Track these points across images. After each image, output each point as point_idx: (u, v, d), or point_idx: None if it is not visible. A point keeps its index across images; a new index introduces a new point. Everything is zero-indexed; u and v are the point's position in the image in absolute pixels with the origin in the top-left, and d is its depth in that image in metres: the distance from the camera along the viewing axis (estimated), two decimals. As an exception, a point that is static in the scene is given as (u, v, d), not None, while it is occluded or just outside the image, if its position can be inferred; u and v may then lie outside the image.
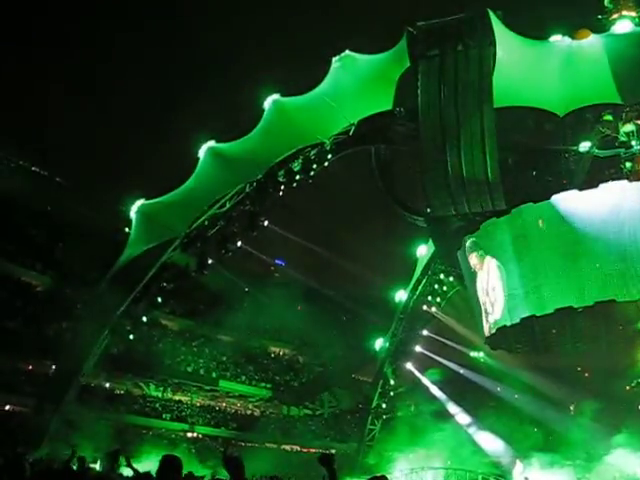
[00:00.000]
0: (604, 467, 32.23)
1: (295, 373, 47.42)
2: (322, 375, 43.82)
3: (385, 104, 31.63)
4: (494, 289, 30.31)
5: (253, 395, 46.73)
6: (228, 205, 32.40)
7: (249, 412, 48.27)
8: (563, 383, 34.90)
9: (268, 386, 46.01)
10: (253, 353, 47.48)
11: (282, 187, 32.44)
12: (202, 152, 32.29)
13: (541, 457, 33.42)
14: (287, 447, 44.10)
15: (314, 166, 32.25)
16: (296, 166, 32.22)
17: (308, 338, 39.19)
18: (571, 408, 37.84)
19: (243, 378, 45.95)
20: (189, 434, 42.41)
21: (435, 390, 37.47)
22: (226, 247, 32.54)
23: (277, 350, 50.16)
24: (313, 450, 43.24)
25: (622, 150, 30.37)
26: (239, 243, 32.84)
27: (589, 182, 29.63)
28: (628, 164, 29.90)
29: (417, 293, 35.25)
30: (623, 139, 30.17)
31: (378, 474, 6.66)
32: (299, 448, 44.05)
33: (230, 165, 32.40)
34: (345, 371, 41.26)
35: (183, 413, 43.40)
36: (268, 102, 32.41)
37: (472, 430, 36.59)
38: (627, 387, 33.23)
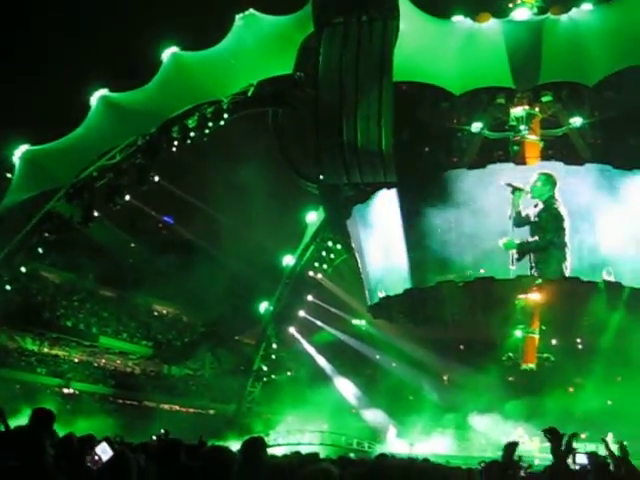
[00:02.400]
0: (473, 434, 33.87)
1: (178, 332, 46.97)
2: (205, 335, 43.57)
3: (286, 67, 31.32)
4: (379, 260, 30.93)
5: (134, 352, 45.90)
6: (118, 157, 31.32)
7: (129, 370, 47.49)
8: (439, 354, 36.19)
9: (150, 344, 45.26)
10: (136, 310, 46.62)
11: (175, 143, 31.71)
12: (94, 100, 31.04)
13: (416, 424, 34.75)
14: (166, 406, 43.80)
15: (210, 124, 31.65)
16: (191, 123, 31.51)
17: (193, 298, 38.76)
18: (445, 378, 39.43)
19: (124, 335, 45.03)
20: (65, 390, 41.35)
21: (316, 355, 38.00)
22: (114, 200, 31.50)
23: (161, 308, 49.49)
24: (192, 410, 43.15)
25: (511, 134, 31.52)
26: (127, 197, 31.90)
27: (478, 162, 30.60)
28: (515, 147, 31.06)
29: (304, 259, 35.50)
30: (513, 123, 31.30)
31: (255, 435, 6.61)
32: (178, 407, 43.82)
33: (123, 116, 31.32)
34: (228, 332, 41.19)
35: (60, 368, 42.24)
36: (166, 55, 31.49)
37: (350, 395, 37.44)
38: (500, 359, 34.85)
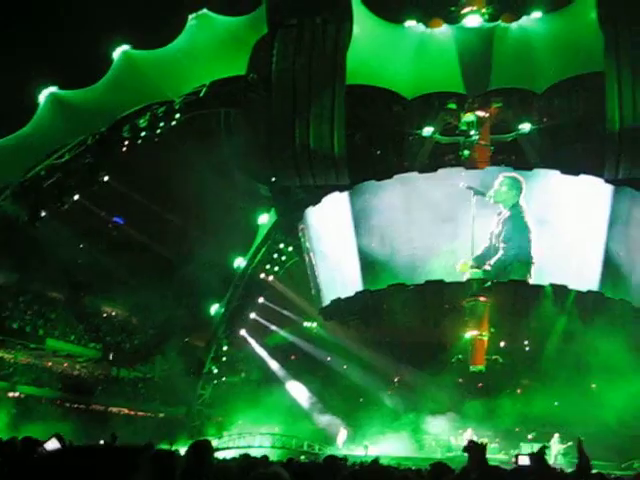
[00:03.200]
0: (423, 436, 34.11)
1: (127, 334, 46.28)
2: (155, 338, 43.05)
3: (239, 68, 31.25)
4: (331, 262, 30.96)
5: (82, 355, 45.06)
6: (67, 156, 30.78)
7: (76, 373, 46.64)
8: (390, 356, 36.38)
9: (98, 347, 44.48)
10: (84, 312, 45.81)
11: (126, 142, 31.33)
12: (42, 98, 30.46)
13: (368, 426, 34.88)
14: (115, 409, 43.15)
15: (161, 124, 31.38)
16: (142, 122, 31.17)
17: (143, 299, 38.26)
18: (395, 380, 39.65)
19: (72, 337, 44.22)
20: (11, 393, 40.43)
21: (267, 357, 37.85)
22: (62, 200, 30.94)
23: (110, 310, 48.76)
24: (141, 413, 42.58)
25: (462, 138, 31.90)
26: (76, 197, 31.37)
27: (429, 165, 30.89)
28: (466, 152, 31.45)
29: (256, 261, 35.35)
30: (463, 128, 31.70)
31: (202, 438, 6.51)
32: (127, 411, 43.20)
33: (72, 115, 30.82)
34: (179, 334, 40.76)
35: (5, 371, 41.30)
36: (118, 53, 31.14)
37: (301, 398, 37.38)
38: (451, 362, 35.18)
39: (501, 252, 28.91)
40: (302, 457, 27.47)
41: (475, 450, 6.37)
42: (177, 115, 31.42)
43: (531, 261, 29.03)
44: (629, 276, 28.97)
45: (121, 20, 34.50)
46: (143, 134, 31.30)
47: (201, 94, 31.29)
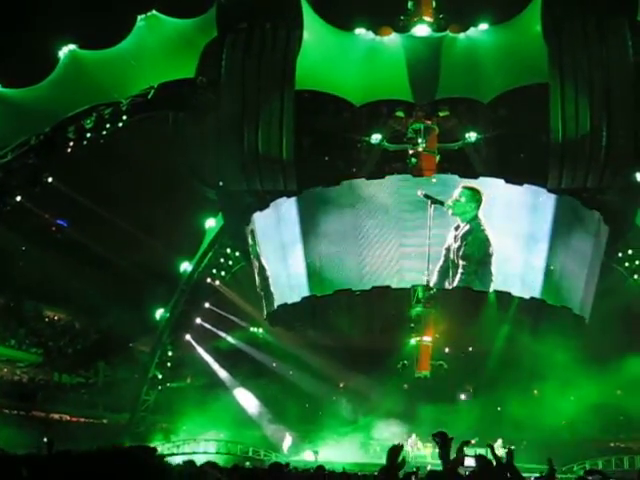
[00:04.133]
0: (369, 441, 34.26)
1: (70, 339, 45.39)
2: (98, 343, 42.29)
3: (188, 71, 31.02)
4: (277, 267, 30.88)
5: (22, 360, 44.06)
6: (10, 156, 29.99)
7: (16, 378, 45.59)
8: (335, 361, 36.41)
9: (39, 351, 43.56)
10: (25, 316, 44.77)
11: (71, 143, 30.73)
12: (-18, 96, 29.78)
13: (312, 431, 34.91)
14: (56, 416, 42.25)
15: (107, 125, 30.81)
16: (88, 123, 30.57)
17: (86, 304, 37.57)
18: (341, 385, 39.74)
19: (12, 342, 43.24)
20: (-54, 400, 39.27)
21: (213, 362, 37.52)
22: (4, 201, 30.16)
23: (52, 314, 47.79)
24: (84, 419, 41.80)
25: (409, 146, 32.20)
26: (18, 198, 30.62)
27: (377, 172, 31.08)
28: (413, 160, 31.76)
29: (202, 265, 34.99)
30: (411, 136, 32.00)
31: (142, 445, 6.37)
32: (69, 417, 42.35)
33: (16, 114, 30.22)
34: (123, 339, 40.11)
35: (-60, 378, 40.16)
36: (64, 52, 30.64)
37: (246, 403, 37.17)
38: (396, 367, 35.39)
39: (461, 271, 28.64)
40: (247, 463, 27.33)
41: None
42: (124, 117, 30.92)
43: (491, 278, 28.90)
44: (570, 284, 29.62)
45: (68, 19, 33.91)
46: (89, 135, 30.76)
47: (149, 96, 30.92)
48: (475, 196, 28.89)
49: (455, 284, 28.86)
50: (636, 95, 28.62)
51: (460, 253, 28.63)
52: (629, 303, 33.40)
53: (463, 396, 35.83)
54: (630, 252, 32.95)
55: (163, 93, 30.86)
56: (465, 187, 28.98)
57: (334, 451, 32.54)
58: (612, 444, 36.05)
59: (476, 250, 28.73)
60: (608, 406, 30.09)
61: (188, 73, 31.13)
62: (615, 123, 28.37)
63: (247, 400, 37.39)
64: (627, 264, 33.24)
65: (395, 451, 6.58)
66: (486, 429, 31.72)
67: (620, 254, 32.95)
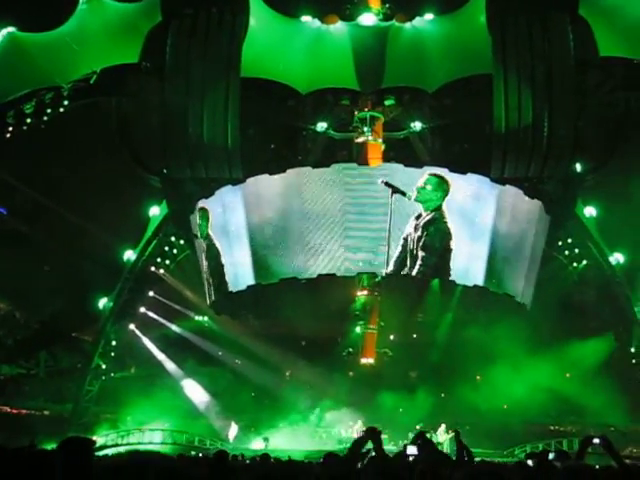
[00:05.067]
0: (315, 428, 34.39)
1: (9, 329, 44.33)
2: (40, 332, 41.41)
3: (131, 56, 30.53)
4: (222, 255, 30.65)
5: (-41, 351, 43.09)
6: (-53, 142, 29.24)
7: (-47, 370, 44.53)
8: (281, 350, 36.38)
9: (-23, 342, 42.63)
10: (-39, 306, 43.69)
11: (10, 129, 30.02)
12: None
13: (259, 419, 34.88)
14: (-4, 407, 41.38)
15: (48, 110, 30.27)
16: (28, 108, 29.97)
17: (27, 293, 36.72)
18: (287, 374, 39.74)
19: (-52, 333, 42.21)
20: None
21: (157, 352, 37.11)
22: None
23: (-10, 304, 46.80)
24: (25, 411, 40.97)
25: (355, 134, 32.34)
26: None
27: (322, 160, 31.10)
28: (358, 148, 31.90)
29: (146, 254, 34.37)
30: (357, 124, 32.14)
31: (76, 435, 6.19)
32: (9, 409, 41.46)
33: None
34: (65, 329, 39.37)
35: None
36: (2, 34, 29.84)
37: (192, 393, 36.90)
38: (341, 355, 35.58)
39: (420, 262, 28.02)
40: (193, 452, 27.18)
41: (373, 434, 6.58)
42: (65, 102, 30.38)
43: (450, 273, 28.67)
44: (512, 272, 30.07)
45: (7, 0, 32.96)
46: (29, 121, 30.10)
47: (91, 81, 30.38)
48: (442, 185, 28.17)
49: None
50: (577, 87, 29.25)
51: (420, 243, 28.04)
52: (569, 290, 34.27)
53: (408, 382, 36.08)
54: (570, 241, 33.69)
55: (106, 78, 30.35)
56: (432, 174, 28.22)
57: (280, 439, 32.61)
58: (552, 428, 36.95)
59: (437, 241, 28.19)
60: (548, 391, 30.74)
61: (132, 58, 30.65)
62: (556, 114, 28.93)
63: (193, 389, 37.09)
64: (567, 252, 33.99)
65: (360, 441, 6.59)
66: (430, 415, 32.22)
67: (560, 243, 33.65)
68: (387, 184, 27.46)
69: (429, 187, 27.98)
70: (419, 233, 27.93)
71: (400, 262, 28.04)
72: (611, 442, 6.91)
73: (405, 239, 27.99)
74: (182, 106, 29.03)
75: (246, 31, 29.52)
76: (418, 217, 27.97)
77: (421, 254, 27.99)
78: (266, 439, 32.32)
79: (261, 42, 30.18)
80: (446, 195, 28.03)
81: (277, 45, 30.89)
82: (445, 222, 28.09)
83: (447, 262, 28.46)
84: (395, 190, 27.35)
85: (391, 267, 28.15)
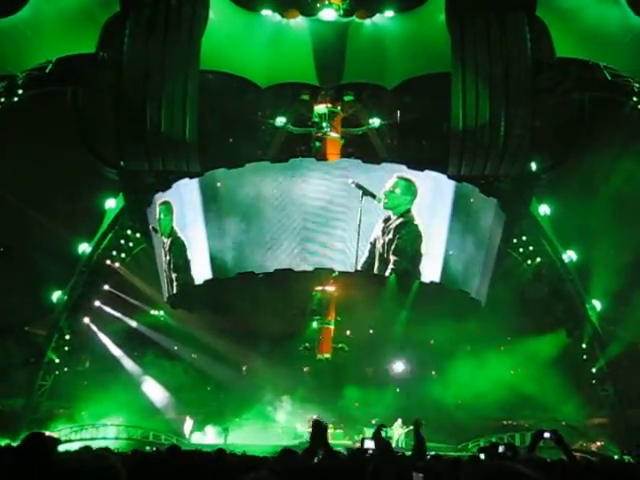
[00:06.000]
0: (271, 423, 34.36)
1: (-42, 323, 43.56)
2: (-10, 326, 40.65)
3: (88, 46, 30.06)
4: (188, 249, 30.38)
5: None
6: None
7: None
8: (238, 344, 36.23)
9: None
10: None
11: (-40, 118, 29.38)
12: None
13: (214, 414, 34.72)
14: (-56, 405, 40.42)
15: (2, 100, 29.66)
16: (-20, 97, 29.36)
17: (-23, 286, 36.00)
18: (243, 369, 39.62)
19: None
20: None
21: (112, 346, 36.69)
22: None
23: (-61, 298, 45.61)
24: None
25: (314, 130, 32.35)
26: None
27: (281, 155, 31.03)
28: (318, 143, 31.97)
29: (102, 247, 33.88)
30: (316, 120, 32.18)
31: (38, 431, 6.08)
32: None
33: None
34: (17, 323, 38.65)
35: None
36: (-47, 20, 29.09)
37: (147, 387, 36.57)
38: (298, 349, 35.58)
39: (392, 267, 28.15)
40: (148, 448, 26.92)
41: (318, 428, 6.55)
42: (19, 91, 29.79)
43: (420, 276, 28.90)
44: (468, 268, 30.39)
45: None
46: (-20, 110, 29.51)
47: (47, 70, 29.85)
48: (411, 188, 28.13)
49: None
50: (533, 87, 29.66)
51: (392, 247, 27.98)
52: (523, 287, 34.82)
53: (364, 378, 36.21)
54: (524, 238, 34.23)
55: (61, 68, 29.86)
56: (400, 177, 28.14)
57: (236, 434, 32.56)
58: (505, 422, 37.50)
59: (409, 245, 28.22)
60: (503, 386, 31.15)
61: (88, 48, 30.19)
62: (513, 114, 29.28)
63: (148, 384, 36.79)
64: (521, 250, 34.54)
65: (318, 431, 6.57)
66: (386, 410, 32.44)
67: (515, 240, 34.17)
68: (358, 186, 27.32)
69: (398, 190, 27.98)
70: (389, 237, 27.98)
71: (368, 267, 28.07)
72: (561, 436, 7.04)
73: (372, 244, 27.96)
74: (140, 98, 28.67)
75: (206, 23, 29.27)
76: (387, 220, 27.97)
77: (392, 258, 28.06)
78: (226, 429, 32.29)
79: (221, 35, 29.98)
80: (415, 198, 28.09)
81: (237, 38, 30.71)
82: (416, 225, 28.24)
83: (418, 265, 28.73)
84: (365, 192, 27.23)
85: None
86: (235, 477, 4.74)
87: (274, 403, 34.57)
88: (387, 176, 28.02)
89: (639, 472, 7.73)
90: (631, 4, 29.38)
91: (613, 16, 30.03)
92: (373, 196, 27.34)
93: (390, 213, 27.97)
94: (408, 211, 28.10)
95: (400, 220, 27.96)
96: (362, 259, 27.90)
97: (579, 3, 30.23)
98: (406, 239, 28.06)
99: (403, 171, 28.25)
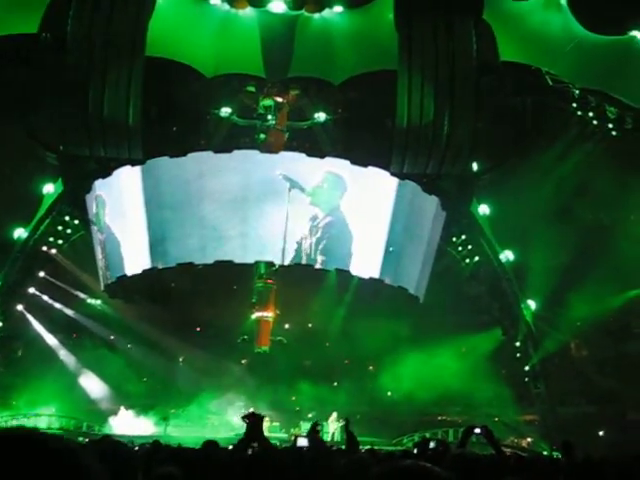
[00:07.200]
0: (207, 415, 34.17)
1: None
2: None
3: (30, 26, 29.28)
4: (119, 237, 29.98)
5: None
6: None
7: None
8: (176, 336, 35.94)
9: None
10: None
11: None
12: None
13: (150, 405, 34.32)
14: None
15: None
16: None
17: None
18: (180, 360, 39.33)
19: None
20: None
21: (47, 334, 35.91)
22: None
23: None
24: None
25: (259, 122, 32.24)
26: None
27: (225, 146, 30.80)
28: (262, 135, 31.88)
29: (38, 232, 33.01)
30: (261, 112, 32.06)
31: None
32: None
33: None
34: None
35: None
36: None
37: (82, 377, 35.94)
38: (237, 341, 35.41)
39: (319, 266, 28.25)
40: (80, 439, 26.48)
41: (253, 420, 6.54)
42: (-45, 71, 28.90)
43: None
44: (407, 265, 30.73)
45: None
46: None
47: (-12, 49, 28.97)
48: (339, 183, 28.08)
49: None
50: (477, 89, 30.12)
51: (320, 247, 28.10)
52: (461, 285, 35.40)
53: (302, 371, 36.28)
54: (464, 237, 34.78)
55: (1, 47, 28.98)
56: (328, 172, 28.13)
57: (171, 426, 32.31)
58: (440, 418, 38.12)
59: (338, 245, 28.36)
60: (438, 382, 31.59)
61: (30, 28, 29.38)
62: (456, 114, 29.70)
63: (83, 374, 36.19)
64: (460, 249, 35.09)
65: (254, 422, 6.54)
66: (322, 403, 32.62)
67: (455, 239, 34.69)
68: (286, 177, 27.38)
69: (326, 185, 27.96)
70: (318, 236, 28.04)
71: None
72: (491, 432, 7.20)
73: (299, 243, 27.99)
74: (82, 81, 28.09)
75: (153, 8, 28.82)
76: (314, 219, 27.98)
77: (320, 259, 28.17)
78: (165, 419, 32.03)
79: (168, 21, 29.57)
80: (343, 195, 28.08)
81: (184, 26, 30.38)
82: (347, 224, 28.26)
83: (347, 266, 28.86)
84: (293, 184, 27.28)
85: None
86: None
87: (210, 395, 34.37)
88: (316, 171, 28.08)
89: (566, 467, 7.98)
90: (575, 12, 30.12)
91: (557, 23, 30.74)
92: (302, 189, 27.35)
93: (318, 211, 27.99)
94: (337, 208, 28.14)
95: (329, 219, 28.00)
96: (289, 257, 27.94)
97: (525, 9, 30.82)
98: (335, 239, 28.18)
99: (336, 166, 28.38)
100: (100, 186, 30.18)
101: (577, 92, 30.81)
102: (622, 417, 33.17)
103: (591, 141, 31.37)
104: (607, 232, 31.50)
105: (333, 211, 28.05)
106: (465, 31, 30.21)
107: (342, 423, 29.94)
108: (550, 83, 30.78)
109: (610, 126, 30.95)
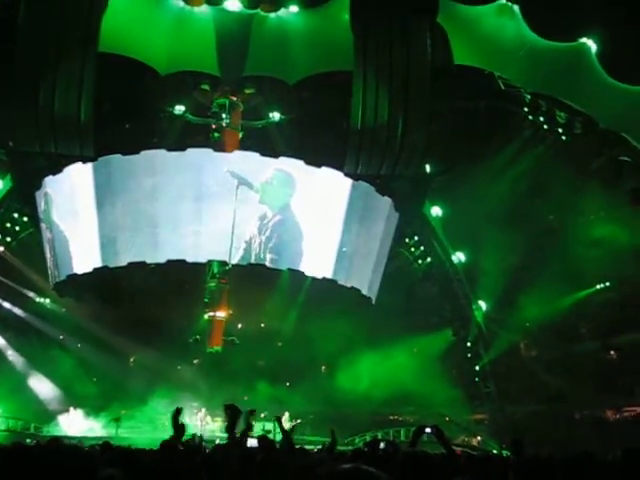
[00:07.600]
0: (157, 415, 33.86)
1: None
2: None
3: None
4: (69, 235, 29.52)
5: None
6: None
7: None
8: (126, 335, 35.53)
9: None
10: None
11: None
12: None
13: (101, 407, 33.90)
14: None
15: None
16: None
17: None
18: (131, 360, 38.93)
19: None
20: None
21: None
22: None
23: None
24: None
25: (213, 120, 32.08)
26: None
27: (178, 144, 30.54)
28: (216, 134, 31.72)
29: (-14, 230, 32.65)
30: (215, 110, 31.91)
31: None
32: None
33: None
34: None
35: None
36: None
37: (31, 378, 35.27)
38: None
39: (269, 265, 28.01)
40: (28, 440, 26.04)
41: (234, 412, 6.70)
42: None
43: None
44: (360, 266, 30.87)
45: None
46: None
47: None
48: (289, 181, 28.03)
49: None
50: (431, 93, 30.36)
51: (270, 245, 27.92)
52: (413, 286, 35.75)
53: (254, 371, 36.21)
54: (416, 238, 35.17)
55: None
56: (278, 169, 28.05)
57: (123, 427, 32.00)
58: (392, 417, 38.45)
59: (287, 245, 28.26)
60: (390, 382, 31.85)
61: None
62: (410, 116, 29.84)
63: (31, 375, 35.55)
64: (413, 249, 35.46)
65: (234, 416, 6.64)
66: (275, 404, 32.59)
67: (407, 240, 35.02)
68: (233, 174, 27.19)
69: (275, 182, 27.81)
70: (267, 235, 27.86)
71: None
72: (442, 431, 7.30)
73: (248, 243, 27.80)
74: (33, 75, 27.50)
75: (106, 3, 28.36)
76: (263, 218, 27.81)
77: (270, 257, 27.98)
78: (117, 419, 31.68)
79: (122, 17, 29.07)
80: (293, 192, 28.03)
81: (138, 22, 29.92)
82: (297, 223, 28.18)
83: (297, 265, 28.79)
84: (241, 181, 27.14)
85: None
86: None
87: (162, 395, 34.09)
88: (266, 168, 27.95)
89: (516, 465, 8.18)
90: (527, 19, 30.55)
91: (510, 28, 31.09)
92: (250, 186, 27.19)
93: (267, 209, 27.88)
94: (287, 207, 28.06)
95: (278, 217, 27.87)
96: (238, 256, 27.77)
97: (478, 13, 31.12)
98: (284, 238, 28.07)
99: (288, 165, 28.34)
100: (49, 183, 29.69)
101: (528, 97, 31.27)
102: (570, 415, 33.85)
103: (542, 145, 31.87)
104: (557, 235, 32.12)
105: (283, 210, 27.91)
106: (420, 34, 30.34)
107: (295, 423, 29.98)
108: (502, 87, 31.18)
109: (560, 130, 31.47)
